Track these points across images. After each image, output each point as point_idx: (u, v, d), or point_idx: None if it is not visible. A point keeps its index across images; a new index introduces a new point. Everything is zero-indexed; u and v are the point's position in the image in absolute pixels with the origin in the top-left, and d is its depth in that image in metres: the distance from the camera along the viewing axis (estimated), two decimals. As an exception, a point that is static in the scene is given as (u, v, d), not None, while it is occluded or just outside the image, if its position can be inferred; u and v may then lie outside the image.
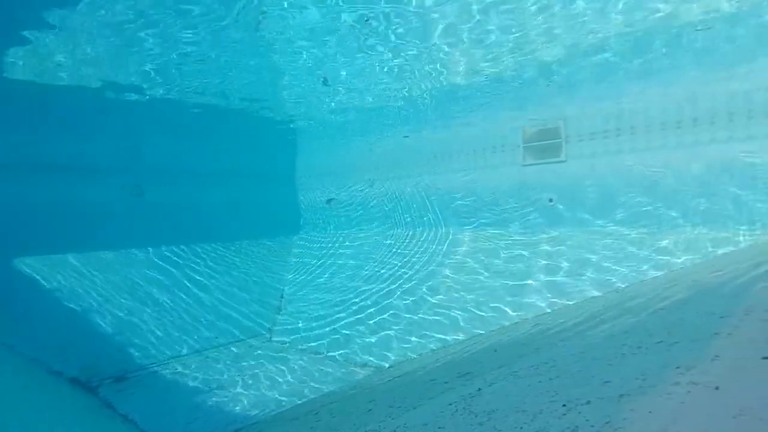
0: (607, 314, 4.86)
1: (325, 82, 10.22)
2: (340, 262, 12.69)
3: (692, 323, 3.15)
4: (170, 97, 10.62)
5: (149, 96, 10.31)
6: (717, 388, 1.89)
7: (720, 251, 7.20)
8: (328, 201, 11.25)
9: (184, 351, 8.82)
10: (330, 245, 14.14)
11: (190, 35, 7.49)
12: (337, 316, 9.81)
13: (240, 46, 8.01)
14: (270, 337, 9.93)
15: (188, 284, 10.88)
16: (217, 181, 14.04)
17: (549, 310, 7.22)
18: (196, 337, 9.31)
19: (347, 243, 13.69)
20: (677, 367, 2.23)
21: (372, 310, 9.46)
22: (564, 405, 2.17)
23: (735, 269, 5.10)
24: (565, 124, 9.71)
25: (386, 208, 13.47)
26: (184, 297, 10.33)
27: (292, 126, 14.24)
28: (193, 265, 11.74)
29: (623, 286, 7.10)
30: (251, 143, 15.09)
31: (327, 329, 9.45)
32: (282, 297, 11.81)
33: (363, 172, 14.31)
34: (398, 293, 9.70)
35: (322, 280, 12.03)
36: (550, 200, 9.90)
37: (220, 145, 14.34)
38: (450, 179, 11.95)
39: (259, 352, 8.99)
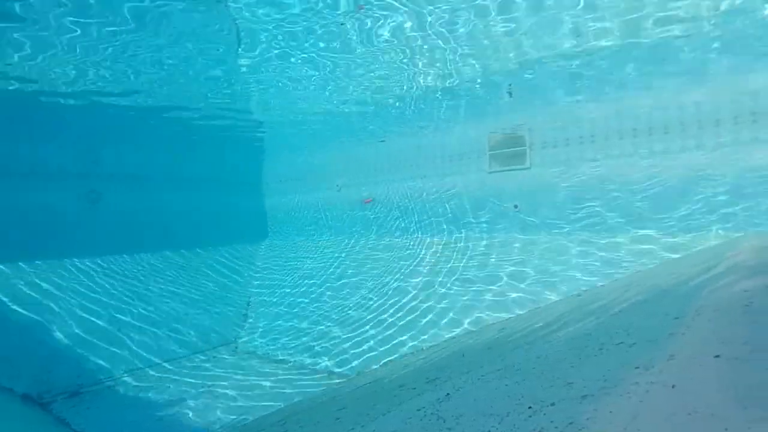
0: (570, 317, 4.99)
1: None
2: (309, 268, 12.56)
3: (650, 324, 3.27)
4: (134, 103, 10.28)
5: (110, 101, 9.96)
6: (673, 387, 1.97)
7: (675, 255, 7.54)
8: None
9: (144, 363, 8.50)
10: (299, 252, 13.98)
11: (153, 41, 7.29)
12: (306, 323, 9.69)
13: (204, 53, 7.85)
14: (236, 347, 9.70)
15: (149, 293, 10.52)
16: (181, 187, 13.69)
17: (515, 314, 7.35)
18: (156, 348, 8.99)
19: (316, 249, 13.57)
20: (636, 367, 2.31)
21: (342, 317, 9.39)
22: (530, 407, 2.21)
23: (689, 272, 5.34)
24: (529, 132, 9.97)
25: (357, 215, 13.45)
26: (144, 306, 9.97)
27: (259, 132, 14.04)
28: (154, 273, 11.36)
29: (586, 289, 7.31)
30: (216, 149, 14.80)
31: (295, 337, 9.31)
32: (248, 305, 11.58)
33: (333, 178, 14.26)
34: (368, 300, 9.67)
35: (290, 287, 11.87)
36: (516, 206, 10.13)
37: (184, 151, 13.99)
38: (419, 185, 12.05)
39: (224, 361, 8.76)
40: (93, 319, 8.91)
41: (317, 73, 9.14)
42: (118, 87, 9.28)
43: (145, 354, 8.68)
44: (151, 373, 8.17)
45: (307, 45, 7.65)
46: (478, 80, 9.67)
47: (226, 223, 14.40)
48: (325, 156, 14.64)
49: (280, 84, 9.74)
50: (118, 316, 9.29)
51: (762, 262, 4.56)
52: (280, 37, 7.27)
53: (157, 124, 12.03)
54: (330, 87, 10.08)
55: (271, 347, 9.27)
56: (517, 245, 9.61)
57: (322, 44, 7.64)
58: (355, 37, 7.46)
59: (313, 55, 8.10)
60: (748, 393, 1.83)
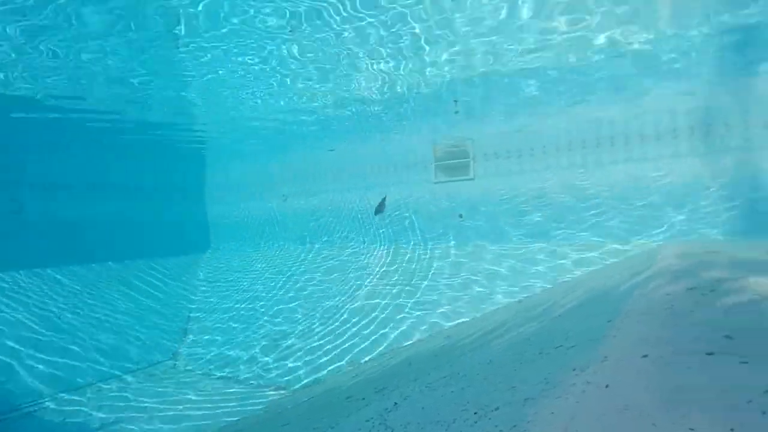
0: (512, 323, 5.16)
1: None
2: (255, 279, 12.21)
3: (586, 327, 3.44)
4: (59, 109, 9.60)
5: (42, 109, 9.27)
6: (607, 387, 2.08)
7: (609, 260, 8.02)
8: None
9: (73, 385, 7.88)
10: (245, 262, 13.56)
11: (90, 47, 6.87)
12: (250, 336, 9.38)
13: (137, 54, 7.48)
14: (174, 363, 9.22)
15: (80, 308, 9.80)
16: (117, 197, 12.93)
17: (459, 322, 7.50)
18: (87, 367, 8.37)
19: (263, 259, 13.23)
20: (573, 369, 2.41)
21: (286, 328, 9.19)
22: (475, 413, 2.25)
23: (620, 277, 5.69)
24: (473, 144, 10.31)
25: (303, 224, 13.27)
26: (75, 323, 9.28)
27: (200, 139, 13.55)
28: (83, 286, 10.61)
29: (527, 295, 7.60)
30: (152, 156, 14.12)
31: (238, 351, 8.99)
32: (188, 319, 11.06)
33: (279, 187, 14.01)
34: (315, 310, 9.52)
35: (233, 298, 11.47)
36: (461, 216, 10.40)
37: (117, 158, 13.25)
38: (367, 195, 12.09)
39: (163, 379, 8.29)
40: (16, 336, 8.17)
41: (263, 80, 8.97)
42: (43, 93, 8.65)
43: (76, 374, 8.05)
44: (82, 394, 7.59)
45: (252, 51, 7.49)
46: (425, 93, 9.88)
47: (164, 233, 13.74)
48: (271, 164, 14.38)
49: (223, 90, 9.46)
50: (45, 333, 8.58)
51: (682, 267, 4.93)
52: (223, 40, 7.07)
53: (85, 131, 11.31)
54: (278, 95, 9.93)
55: (213, 363, 8.90)
56: (461, 253, 9.85)
57: (269, 50, 7.52)
58: (302, 46, 7.40)
59: (259, 61, 7.95)
60: (673, 391, 1.96)
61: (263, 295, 11.01)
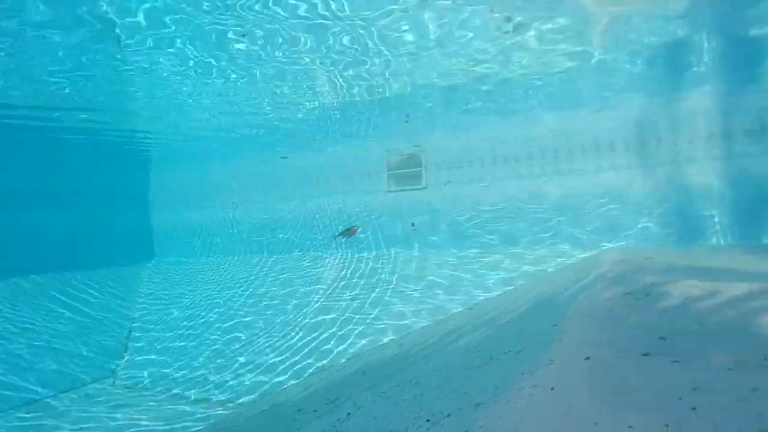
0: (464, 330, 5.25)
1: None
2: (202, 290, 11.76)
3: (533, 332, 3.56)
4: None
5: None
6: (552, 389, 2.15)
7: (554, 267, 8.36)
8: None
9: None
10: (187, 272, 13.04)
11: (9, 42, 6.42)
12: (195, 352, 9.00)
13: (84, 57, 7.08)
14: (113, 382, 8.69)
15: (6, 324, 9.06)
16: (50, 204, 12.10)
17: (412, 329, 7.55)
18: (13, 388, 7.71)
19: (207, 271, 12.77)
20: (522, 373, 2.49)
21: (235, 343, 8.89)
22: (428, 420, 2.27)
23: (565, 282, 5.94)
24: (425, 154, 10.48)
25: (252, 233, 12.95)
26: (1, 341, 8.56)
27: (144, 143, 12.96)
28: (12, 300, 9.82)
29: (477, 302, 7.78)
30: (95, 161, 13.35)
31: (182, 367, 8.60)
32: (129, 334, 10.47)
33: (227, 195, 13.63)
34: (265, 321, 9.29)
35: (177, 312, 10.98)
36: (413, 225, 10.52)
37: (52, 163, 12.42)
38: (319, 203, 11.99)
39: (98, 399, 7.79)
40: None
41: (212, 84, 8.73)
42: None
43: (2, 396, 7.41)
44: (7, 419, 6.98)
45: (203, 53, 7.28)
46: (378, 102, 9.97)
47: (102, 242, 12.98)
48: (222, 171, 13.96)
49: (170, 93, 9.12)
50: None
51: (619, 273, 5.22)
52: (171, 41, 6.83)
53: (15, 133, 10.53)
54: (228, 100, 9.68)
55: (156, 379, 8.46)
56: (413, 262, 9.95)
57: (219, 54, 7.33)
58: (254, 51, 7.28)
59: (208, 63, 7.72)
60: (612, 392, 2.06)
61: (210, 308, 10.61)
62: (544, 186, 9.45)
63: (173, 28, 6.32)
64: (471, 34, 7.00)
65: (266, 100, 9.77)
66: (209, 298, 11.15)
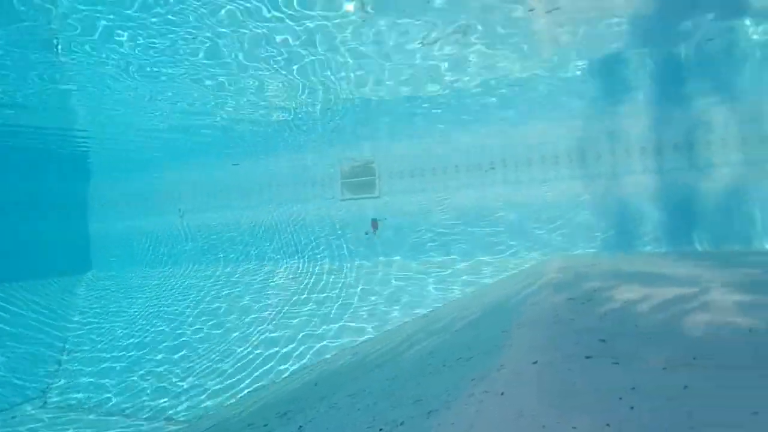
0: (417, 337, 5.29)
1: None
2: (144, 302, 11.18)
3: (484, 338, 3.64)
4: None
5: None
6: (502, 394, 2.20)
7: (505, 274, 8.60)
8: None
9: None
10: (129, 285, 12.38)
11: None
12: (135, 369, 8.53)
13: (14, 52, 6.60)
14: (44, 401, 8.07)
15: None
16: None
17: (365, 338, 7.53)
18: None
19: (150, 282, 12.18)
20: (473, 380, 2.53)
21: (180, 359, 8.51)
22: (381, 429, 2.25)
23: (513, 289, 6.13)
24: (378, 162, 10.55)
25: (199, 243, 12.50)
26: None
27: (82, 147, 12.23)
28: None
29: (430, 309, 7.86)
30: (26, 166, 12.44)
31: (121, 387, 8.11)
32: (64, 349, 9.78)
33: (176, 202, 13.09)
34: (212, 333, 8.96)
35: (120, 324, 10.38)
36: (366, 233, 10.52)
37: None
38: (271, 211, 11.76)
39: (28, 421, 7.20)
40: None
41: (159, 86, 8.39)
42: None
43: None
44: None
45: (149, 51, 6.98)
46: (333, 110, 9.95)
47: (34, 252, 12.09)
48: (168, 177, 13.40)
49: (110, 94, 8.66)
50: None
51: (564, 279, 5.46)
52: (116, 39, 6.51)
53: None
54: (177, 103, 9.33)
55: (93, 397, 7.94)
56: (366, 270, 9.94)
57: (166, 54, 7.06)
58: (205, 52, 7.08)
59: (154, 64, 7.42)
60: (558, 394, 2.14)
61: (153, 323, 10.10)
62: (494, 195, 9.74)
63: (112, 18, 5.98)
64: (422, 47, 7.17)
65: (217, 104, 9.51)
66: (153, 312, 10.62)
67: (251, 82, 8.35)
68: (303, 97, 9.11)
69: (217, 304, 10.07)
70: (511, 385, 2.31)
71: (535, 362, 2.55)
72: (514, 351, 2.89)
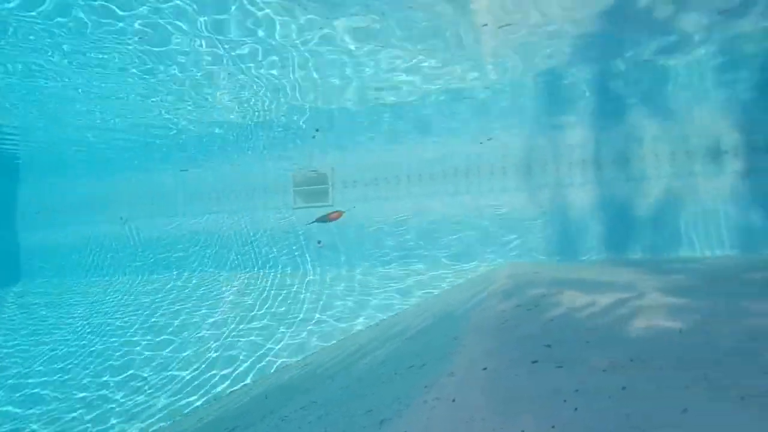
0: (370, 346, 5.27)
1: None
2: (77, 315, 10.48)
3: (435, 346, 3.68)
4: None
5: None
6: (454, 401, 2.23)
7: (456, 282, 8.75)
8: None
9: None
10: (64, 296, 11.58)
11: None
12: (63, 383, 7.94)
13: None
14: (-39, 427, 7.33)
15: None
16: None
17: (317, 348, 7.41)
18: None
19: (89, 292, 11.45)
20: (425, 387, 2.55)
21: (126, 380, 8.01)
22: (332, 442, 2.22)
23: (464, 297, 6.25)
24: (332, 171, 10.51)
25: (147, 251, 11.91)
26: None
27: (12, 150, 11.38)
28: None
29: (384, 317, 7.86)
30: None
31: (47, 404, 7.52)
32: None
33: (118, 209, 12.41)
34: (151, 348, 8.52)
35: (49, 340, 9.65)
36: (319, 242, 10.42)
37: None
38: (220, 220, 11.41)
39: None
40: None
41: (98, 89, 7.96)
42: None
43: None
44: None
45: (91, 53, 6.62)
46: (286, 119, 9.83)
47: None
48: (111, 182, 12.69)
49: (45, 95, 8.13)
50: None
51: (512, 286, 5.63)
52: (53, 36, 6.12)
53: None
54: (122, 104, 8.87)
55: (15, 422, 7.30)
56: (318, 279, 9.83)
57: (108, 56, 6.71)
58: (150, 56, 6.80)
59: (97, 65, 7.04)
60: (507, 399, 2.19)
61: (88, 337, 9.48)
62: (444, 204, 9.94)
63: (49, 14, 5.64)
64: (376, 63, 7.26)
65: (165, 107, 9.15)
66: (88, 321, 9.97)
67: (205, 87, 8.12)
68: (257, 102, 8.94)
69: (162, 316, 9.59)
70: (462, 391, 2.34)
71: (485, 368, 2.60)
72: (464, 358, 2.94)
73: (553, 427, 1.82)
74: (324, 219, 9.17)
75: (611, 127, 9.28)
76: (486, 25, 6.17)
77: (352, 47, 6.76)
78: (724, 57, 7.70)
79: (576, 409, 1.96)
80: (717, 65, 7.96)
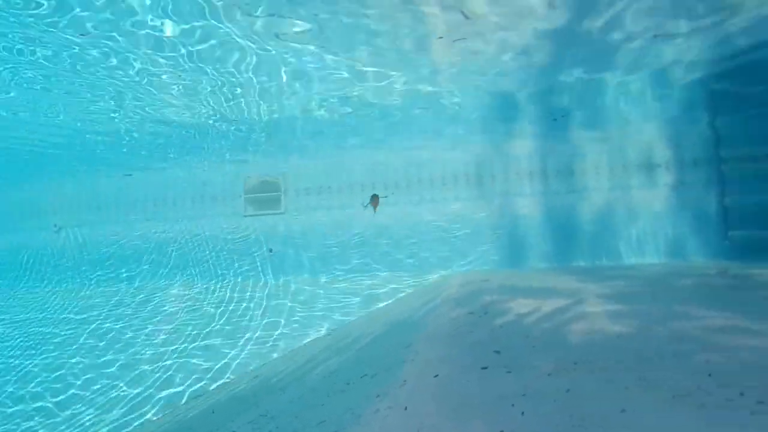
0: (322, 356, 5.21)
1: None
2: (3, 331, 9.68)
3: (388, 355, 3.68)
4: None
5: None
6: (406, 409, 2.24)
7: (407, 291, 8.82)
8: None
9: None
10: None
11: None
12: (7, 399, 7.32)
13: None
14: None
15: None
16: None
17: (269, 360, 7.23)
18: None
19: (18, 303, 10.62)
20: (377, 396, 2.54)
21: (58, 383, 7.46)
22: (282, 455, 2.16)
23: (416, 305, 6.31)
24: (284, 178, 10.36)
25: (83, 261, 11.21)
26: None
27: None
28: None
29: (337, 327, 7.79)
30: None
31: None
32: None
33: (51, 215, 11.62)
34: (95, 362, 8.00)
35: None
36: (270, 251, 10.21)
37: None
38: (167, 227, 10.94)
39: None
40: None
41: (27, 86, 7.45)
42: None
43: None
44: None
45: (20, 48, 6.20)
46: (236, 125, 9.59)
47: None
48: (41, 188, 11.87)
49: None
50: None
51: (463, 295, 5.75)
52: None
53: None
54: (53, 103, 8.33)
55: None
56: (269, 289, 9.61)
57: (42, 53, 6.31)
58: (93, 57, 6.46)
59: (26, 62, 6.60)
60: (458, 405, 2.23)
61: (24, 345, 8.78)
62: (398, 213, 10.03)
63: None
64: (327, 69, 7.27)
65: (107, 109, 8.69)
66: (14, 335, 9.23)
67: (152, 89, 7.78)
68: (207, 106, 8.68)
69: (98, 321, 9.03)
70: (414, 399, 2.35)
71: (437, 376, 2.63)
72: (416, 365, 2.96)
73: (502, 431, 1.86)
74: (372, 202, 8.40)
75: (556, 141, 9.76)
76: (441, 37, 6.31)
77: (302, 51, 6.72)
78: (658, 78, 8.30)
79: (523, 413, 2.02)
80: (652, 85, 8.56)
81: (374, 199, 8.24)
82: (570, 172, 9.52)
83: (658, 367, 2.50)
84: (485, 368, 2.67)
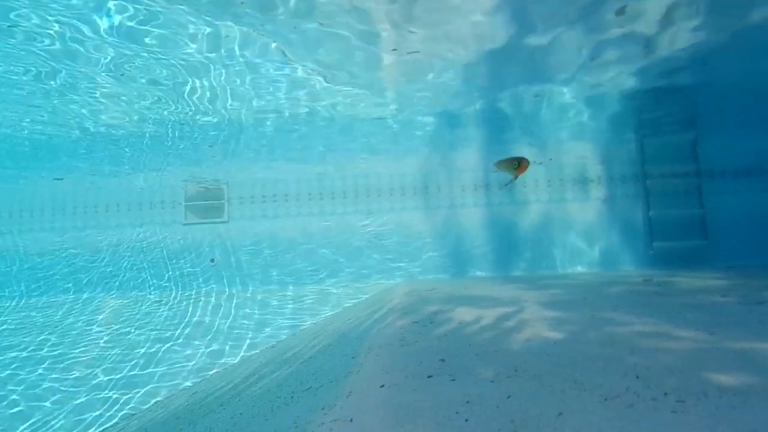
0: (266, 369, 5.05)
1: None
2: None
3: (333, 366, 3.64)
4: None
5: None
6: (351, 420, 2.21)
7: (351, 302, 8.78)
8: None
9: None
10: None
11: None
12: None
13: None
14: None
15: None
16: None
17: (208, 375, 6.93)
18: None
19: None
20: (322, 408, 2.50)
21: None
22: (222, 475, 2.07)
23: (361, 315, 6.29)
24: (228, 186, 10.06)
25: (9, 269, 10.31)
26: None
27: None
28: None
29: (280, 339, 7.61)
30: None
31: None
32: None
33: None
34: (30, 376, 7.31)
35: None
36: (212, 261, 9.85)
37: None
38: (102, 235, 10.28)
39: None
40: None
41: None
42: None
43: None
44: None
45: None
46: (178, 130, 9.23)
47: None
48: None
49: None
50: None
51: (409, 303, 5.80)
52: None
53: None
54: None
55: None
56: (212, 299, 9.26)
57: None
58: (20, 57, 6.00)
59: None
60: (403, 414, 2.23)
61: None
62: (343, 222, 10.01)
63: None
64: (280, 82, 7.21)
65: (38, 109, 8.09)
66: None
67: (90, 91, 7.34)
68: (148, 109, 8.28)
69: (32, 333, 8.28)
70: (359, 410, 2.34)
71: (383, 385, 2.63)
72: (362, 376, 2.95)
73: (446, 439, 1.89)
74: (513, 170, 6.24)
75: (498, 155, 10.17)
76: (395, 50, 6.41)
77: (255, 60, 6.62)
78: (592, 98, 8.89)
79: (467, 420, 2.06)
80: (588, 104, 9.15)
81: (522, 164, 6.44)
82: (513, 185, 9.96)
83: (592, 370, 2.64)
84: (430, 377, 2.70)
